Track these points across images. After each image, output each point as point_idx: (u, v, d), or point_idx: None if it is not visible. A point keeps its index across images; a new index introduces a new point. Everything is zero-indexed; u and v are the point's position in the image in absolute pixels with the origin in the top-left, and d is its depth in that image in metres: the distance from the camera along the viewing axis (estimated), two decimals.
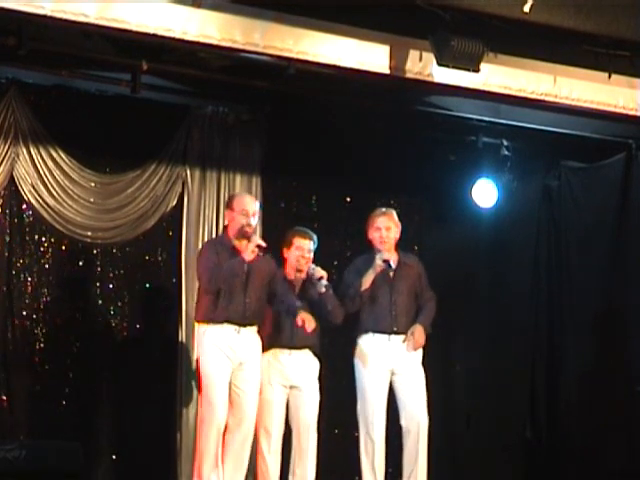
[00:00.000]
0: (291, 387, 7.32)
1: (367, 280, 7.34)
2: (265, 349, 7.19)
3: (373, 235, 7.49)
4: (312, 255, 7.43)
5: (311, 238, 7.47)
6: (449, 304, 7.98)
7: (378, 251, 7.40)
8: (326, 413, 7.49)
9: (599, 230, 8.99)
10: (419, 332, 7.34)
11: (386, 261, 7.33)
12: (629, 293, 8.68)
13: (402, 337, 7.36)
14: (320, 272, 7.27)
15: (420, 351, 7.42)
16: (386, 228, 7.47)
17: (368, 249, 7.52)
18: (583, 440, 8.75)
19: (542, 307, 9.39)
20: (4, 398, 7.96)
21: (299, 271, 7.42)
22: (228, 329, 6.96)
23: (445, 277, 8.21)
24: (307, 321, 7.06)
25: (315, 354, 7.41)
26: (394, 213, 7.59)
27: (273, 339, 7.27)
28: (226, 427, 7.00)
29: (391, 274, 7.43)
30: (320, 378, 7.43)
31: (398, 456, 7.35)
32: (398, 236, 7.55)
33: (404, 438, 7.32)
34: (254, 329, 7.07)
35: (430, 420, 7.37)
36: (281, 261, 7.44)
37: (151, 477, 8.23)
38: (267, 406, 7.23)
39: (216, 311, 6.95)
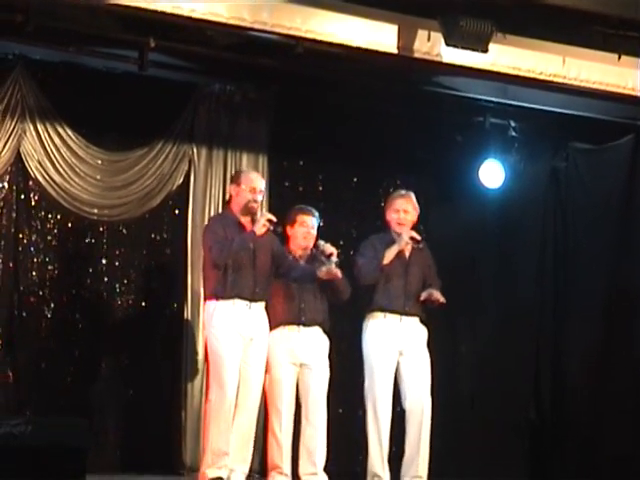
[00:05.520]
0: (301, 365, 7.34)
1: (390, 254, 7.30)
2: (274, 327, 7.22)
3: (391, 216, 7.46)
4: (315, 231, 7.47)
5: (314, 214, 7.49)
6: (455, 285, 7.99)
7: (395, 232, 7.39)
8: (331, 393, 7.49)
9: (606, 212, 8.98)
10: (435, 291, 7.29)
11: (414, 238, 7.29)
12: (636, 276, 8.68)
13: (412, 318, 7.36)
14: (330, 249, 7.24)
15: (426, 333, 7.42)
16: (404, 211, 7.43)
17: (382, 229, 7.51)
18: (587, 422, 8.77)
19: (548, 289, 9.40)
20: (10, 374, 8.01)
21: (304, 248, 7.45)
22: (240, 305, 6.93)
23: (451, 258, 8.23)
24: (329, 249, 7.13)
25: (325, 331, 7.44)
26: (413, 196, 7.53)
27: (282, 316, 7.29)
28: None
29: (407, 256, 7.41)
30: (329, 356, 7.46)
31: (401, 435, 7.36)
32: (415, 219, 7.51)
33: (407, 418, 7.31)
34: (263, 304, 7.07)
35: (436, 400, 7.36)
36: (284, 239, 7.43)
37: (156, 453, 8.29)
38: (277, 385, 7.26)
39: (226, 287, 6.92)
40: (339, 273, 7.20)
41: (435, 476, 7.30)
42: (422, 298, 7.31)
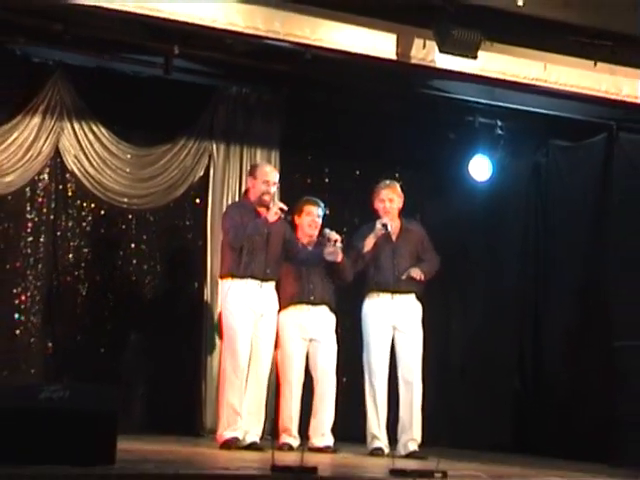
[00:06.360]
0: (310, 340, 7.39)
1: (368, 243, 7.33)
2: (285, 305, 7.26)
3: (378, 205, 7.49)
4: (321, 220, 7.51)
5: (319, 205, 7.53)
6: (446, 268, 7.95)
7: (380, 218, 7.43)
8: (337, 364, 7.51)
9: (583, 203, 8.88)
10: (414, 269, 7.32)
11: (384, 225, 7.33)
12: (609, 260, 8.62)
13: (404, 296, 7.39)
14: (335, 235, 7.27)
15: (420, 309, 7.43)
16: (389, 200, 7.47)
17: (374, 218, 7.50)
18: (565, 390, 8.70)
19: (530, 272, 9.34)
20: (50, 345, 8.08)
21: (310, 235, 7.49)
22: (252, 284, 6.96)
23: (443, 243, 8.18)
24: (333, 236, 7.16)
25: (331, 309, 7.48)
26: (397, 185, 7.58)
27: (293, 296, 7.34)
28: None
29: (394, 239, 7.43)
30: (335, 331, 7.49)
31: (398, 405, 7.38)
32: (401, 205, 7.53)
33: (401, 388, 7.35)
34: (273, 284, 7.09)
35: (429, 372, 7.40)
36: (294, 227, 7.47)
37: (179, 418, 8.32)
38: (288, 359, 7.32)
39: (240, 267, 6.95)
40: (340, 255, 7.23)
41: (429, 444, 7.31)
42: (403, 277, 7.34)
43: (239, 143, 8.77)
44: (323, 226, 7.49)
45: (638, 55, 7.21)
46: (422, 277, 7.36)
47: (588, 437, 8.22)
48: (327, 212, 7.69)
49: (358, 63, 7.17)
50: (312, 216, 7.50)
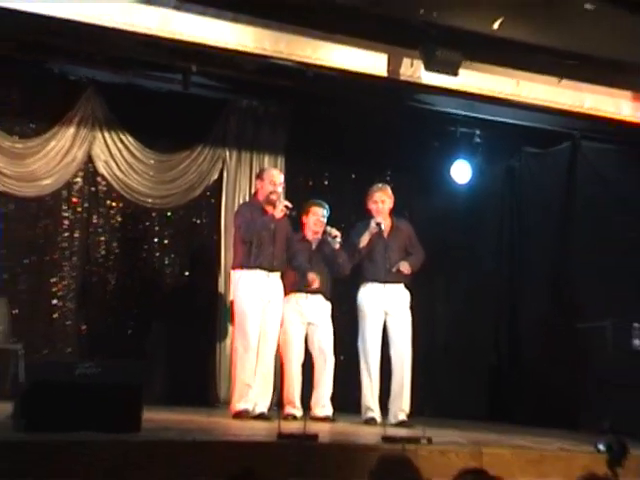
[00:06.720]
0: (308, 324, 7.37)
1: (364, 239, 7.30)
2: (287, 294, 7.23)
3: (371, 206, 7.43)
4: (325, 220, 7.50)
5: (324, 206, 7.50)
6: (432, 260, 7.97)
7: (374, 218, 7.41)
8: (335, 344, 7.51)
9: (551, 203, 8.93)
10: (403, 264, 7.30)
11: (378, 224, 7.30)
12: (574, 251, 8.67)
13: (394, 285, 7.34)
14: (335, 232, 7.31)
15: (408, 296, 7.39)
16: (381, 201, 7.41)
17: (367, 216, 7.48)
18: (535, 365, 8.73)
19: (505, 262, 9.33)
20: (84, 327, 8.11)
21: (315, 233, 7.48)
22: (260, 274, 6.93)
23: (429, 238, 8.21)
24: (313, 280, 7.15)
25: (326, 297, 7.45)
26: (388, 188, 7.52)
27: (294, 286, 7.31)
28: None
29: (385, 235, 7.38)
30: (332, 316, 7.48)
31: (389, 380, 7.36)
32: (391, 206, 7.47)
33: (393, 366, 7.31)
34: (279, 274, 7.07)
35: (416, 351, 7.36)
36: (299, 226, 7.45)
37: (196, 391, 8.33)
38: (289, 340, 7.30)
39: (250, 259, 6.91)
40: (338, 245, 7.25)
41: (416, 414, 7.27)
42: (393, 270, 7.30)
43: (249, 150, 8.76)
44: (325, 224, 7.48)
45: (597, 72, 7.19)
46: (409, 270, 7.35)
47: (555, 406, 8.26)
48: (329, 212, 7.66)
49: (354, 80, 7.12)
50: (317, 216, 7.47)
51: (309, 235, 7.48)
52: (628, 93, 7.57)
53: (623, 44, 6.57)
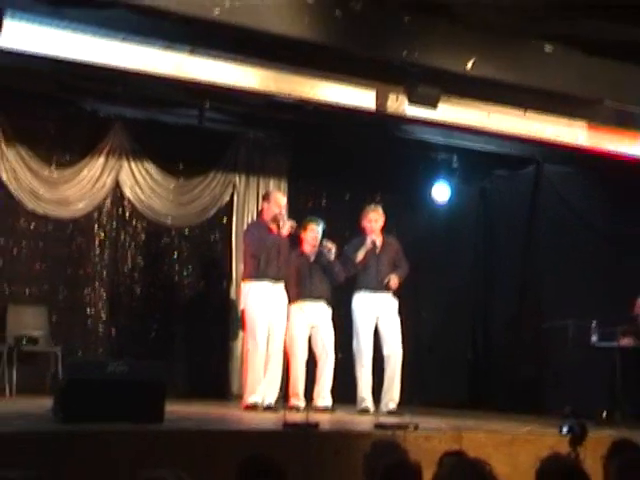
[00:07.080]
0: (312, 326, 7.35)
1: (360, 254, 7.30)
2: (293, 301, 7.23)
3: (366, 224, 7.43)
4: (320, 235, 7.48)
5: (319, 223, 7.48)
6: (417, 271, 8.01)
7: (369, 235, 7.40)
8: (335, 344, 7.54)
9: (518, 220, 8.98)
10: (393, 277, 7.31)
11: (374, 242, 7.33)
12: (539, 262, 8.72)
13: (384, 293, 7.33)
14: (330, 245, 7.33)
15: (397, 303, 7.38)
16: (375, 220, 7.40)
17: (361, 233, 7.49)
18: (506, 360, 8.79)
19: (479, 273, 9.34)
20: (114, 331, 8.11)
21: (312, 246, 7.47)
22: (267, 284, 6.95)
23: (414, 251, 8.23)
24: (330, 248, 7.19)
25: (328, 303, 7.44)
26: (380, 208, 7.51)
27: (299, 293, 7.31)
28: None
29: (377, 250, 7.39)
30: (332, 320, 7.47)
31: (381, 375, 7.40)
32: (382, 224, 7.47)
33: (385, 363, 7.30)
34: (282, 284, 7.08)
35: (403, 350, 7.36)
36: (297, 242, 7.43)
37: (212, 386, 8.30)
38: (294, 341, 7.27)
39: (258, 272, 6.94)
40: (333, 256, 7.27)
41: (404, 403, 7.29)
42: (385, 282, 7.30)
43: (256, 175, 8.76)
44: (322, 238, 7.49)
45: (556, 105, 7.23)
46: (397, 285, 7.35)
47: (524, 395, 8.30)
48: (325, 228, 7.65)
49: (347, 113, 7.11)
50: (313, 232, 7.47)
51: (307, 249, 7.48)
52: (583, 123, 7.61)
53: (578, 81, 6.60)
